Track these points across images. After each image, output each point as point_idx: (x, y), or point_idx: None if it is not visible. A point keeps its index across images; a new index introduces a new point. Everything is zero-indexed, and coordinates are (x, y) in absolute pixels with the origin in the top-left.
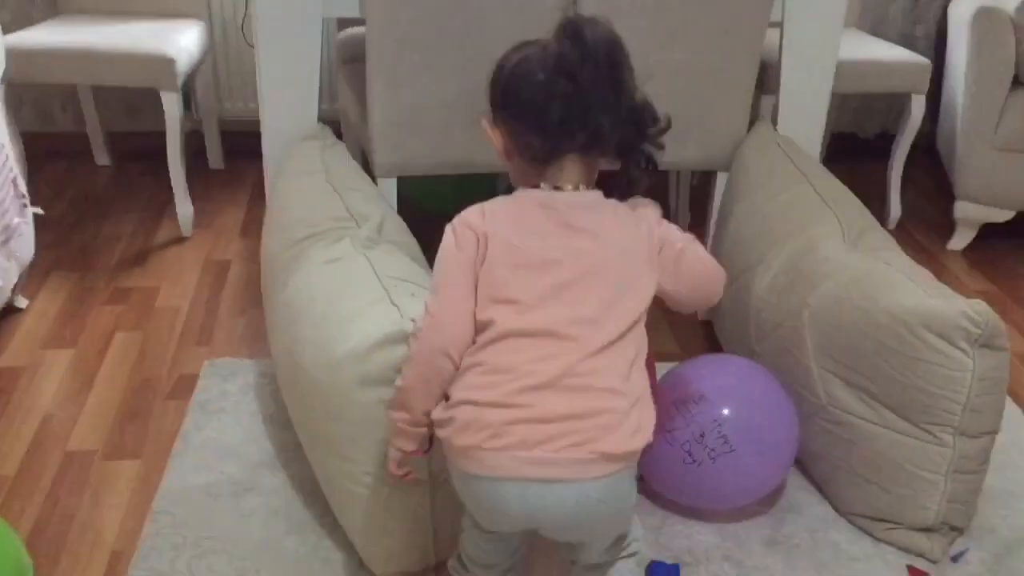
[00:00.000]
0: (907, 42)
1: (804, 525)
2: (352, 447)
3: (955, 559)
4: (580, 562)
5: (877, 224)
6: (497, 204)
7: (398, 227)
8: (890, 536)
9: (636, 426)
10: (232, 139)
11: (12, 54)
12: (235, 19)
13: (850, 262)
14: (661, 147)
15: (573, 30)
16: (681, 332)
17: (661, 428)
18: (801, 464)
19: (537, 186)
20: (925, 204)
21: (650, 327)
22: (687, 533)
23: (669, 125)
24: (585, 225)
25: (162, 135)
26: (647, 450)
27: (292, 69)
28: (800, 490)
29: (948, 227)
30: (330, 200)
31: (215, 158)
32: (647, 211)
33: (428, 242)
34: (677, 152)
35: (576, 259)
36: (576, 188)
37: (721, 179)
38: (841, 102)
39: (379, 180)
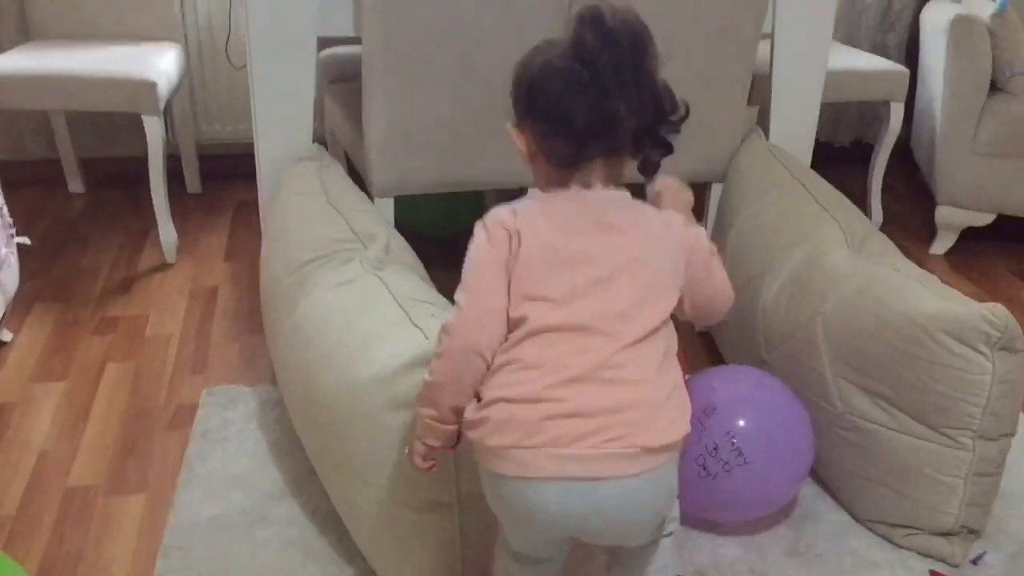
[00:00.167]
0: (879, 51)
1: (823, 534)
2: (377, 472)
3: (974, 562)
4: (617, 551)
5: (876, 230)
6: (528, 203)
7: (403, 247)
8: (910, 542)
9: (672, 417)
10: (209, 162)
11: None
12: (211, 41)
13: (860, 269)
14: (677, 131)
15: (592, 18)
16: (681, 344)
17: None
18: (816, 472)
19: (566, 187)
20: (903, 209)
21: None
22: (710, 547)
23: (688, 113)
24: (616, 222)
25: (138, 160)
26: (685, 439)
27: (287, 90)
28: (816, 498)
29: (928, 231)
30: (333, 222)
31: (193, 182)
32: (674, 216)
33: (421, 261)
34: (673, 164)
35: (608, 255)
36: (605, 187)
37: (715, 190)
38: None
39: (377, 200)
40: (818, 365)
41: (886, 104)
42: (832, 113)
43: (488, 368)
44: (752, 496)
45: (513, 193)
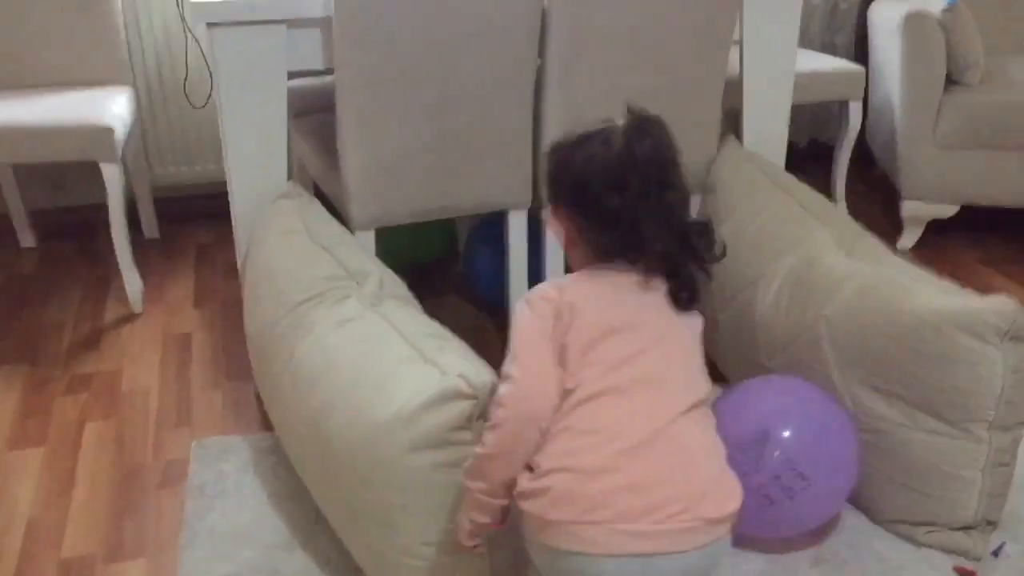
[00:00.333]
0: (829, 51)
1: (844, 539)
2: (403, 517)
3: (995, 554)
4: None
5: (864, 231)
6: (575, 279)
7: (394, 280)
8: (931, 539)
9: (731, 487)
10: (164, 206)
11: None
12: (161, 82)
13: (858, 270)
14: (709, 275)
15: (636, 132)
16: None
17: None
18: None
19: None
20: (864, 205)
21: None
22: (734, 562)
23: (724, 253)
24: (657, 301)
25: (92, 209)
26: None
27: (259, 128)
28: None
29: (893, 226)
30: (321, 260)
31: (150, 227)
32: (697, 317)
33: None
34: None
35: (654, 328)
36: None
37: (693, 201)
38: None
39: (357, 233)
40: (825, 368)
41: (843, 103)
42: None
43: (541, 438)
44: (818, 511)
45: (490, 217)
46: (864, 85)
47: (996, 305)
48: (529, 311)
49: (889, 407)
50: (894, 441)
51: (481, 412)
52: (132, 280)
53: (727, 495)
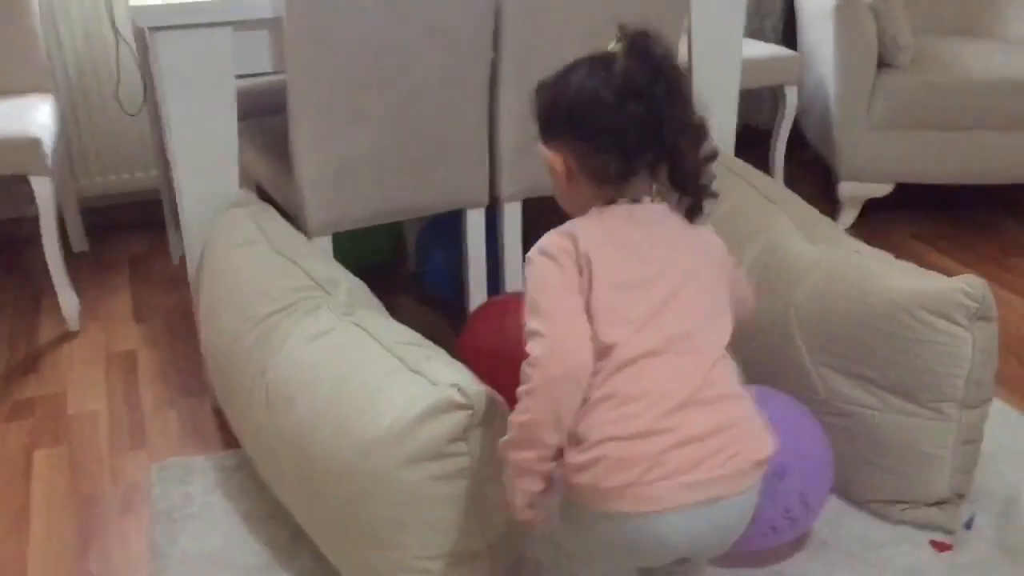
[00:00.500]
0: (758, 37)
1: (823, 521)
2: (400, 533)
3: (967, 526)
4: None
5: (822, 216)
6: (584, 225)
7: (361, 288)
8: (906, 515)
9: (766, 429)
10: (90, 217)
11: None
12: (84, 89)
13: (824, 256)
14: (711, 173)
15: (640, 47)
16: None
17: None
18: None
19: (613, 202)
20: (799, 188)
21: None
22: None
23: (716, 154)
24: (670, 236)
25: (12, 224)
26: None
27: (209, 135)
28: None
29: (829, 206)
30: (286, 270)
31: (78, 240)
32: (708, 228)
33: None
34: None
35: (674, 270)
36: (651, 200)
37: None
38: None
39: (313, 239)
40: (797, 355)
41: (778, 88)
42: None
43: (583, 396)
44: (807, 525)
45: (439, 215)
46: (801, 70)
47: (965, 286)
48: (552, 262)
49: (861, 390)
50: (867, 423)
51: (478, 423)
52: (67, 297)
53: (766, 435)
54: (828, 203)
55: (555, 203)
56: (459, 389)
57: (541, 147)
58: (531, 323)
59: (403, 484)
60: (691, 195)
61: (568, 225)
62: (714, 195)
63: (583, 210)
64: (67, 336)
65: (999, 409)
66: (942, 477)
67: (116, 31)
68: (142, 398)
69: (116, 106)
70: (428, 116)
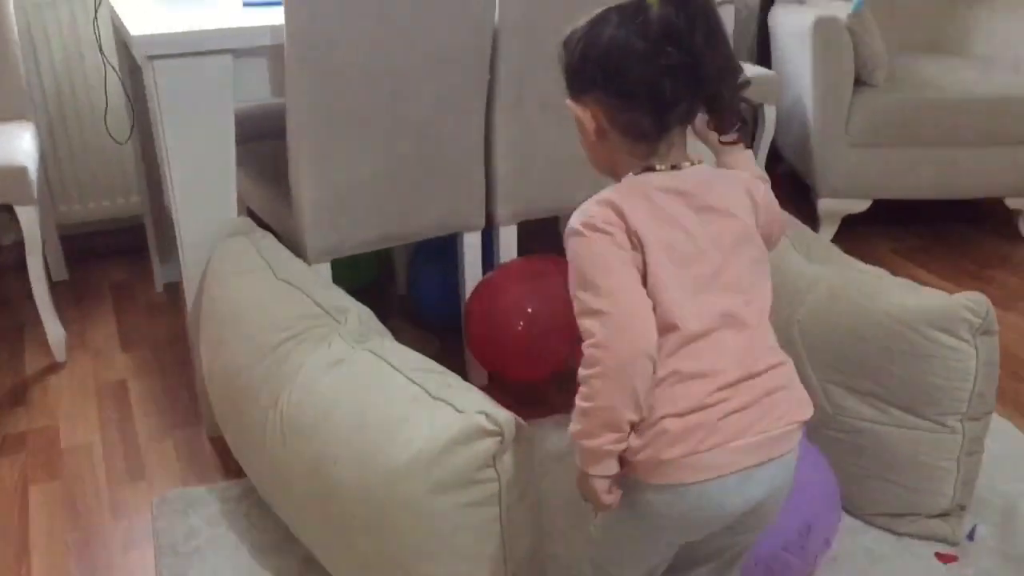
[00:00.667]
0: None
1: None
2: (427, 561)
3: (970, 537)
4: (728, 557)
5: (815, 234)
6: (625, 196)
7: (369, 315)
8: (912, 528)
9: (803, 390)
10: (68, 244)
11: None
12: (63, 115)
13: (824, 274)
14: (744, 98)
15: None
16: None
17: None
18: None
19: (651, 168)
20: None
21: None
22: None
23: (748, 81)
24: (715, 203)
25: None
26: None
27: (207, 162)
28: None
29: (807, 222)
30: (293, 298)
31: (58, 269)
32: (740, 173)
33: None
34: (595, 192)
35: (718, 243)
36: (691, 163)
37: None
38: None
39: (312, 265)
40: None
41: (758, 107)
42: None
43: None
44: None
45: (437, 239)
46: (779, 89)
47: (968, 301)
48: (605, 236)
49: (866, 406)
50: (872, 438)
51: (507, 449)
52: (53, 327)
53: (806, 397)
54: (804, 218)
55: (547, 223)
56: (487, 416)
57: (570, 103)
58: (589, 301)
59: (432, 512)
60: (727, 126)
61: (608, 194)
62: (746, 121)
63: (615, 169)
64: (54, 367)
65: None
66: (948, 489)
67: (104, 58)
68: (136, 429)
69: (95, 133)
70: (426, 141)
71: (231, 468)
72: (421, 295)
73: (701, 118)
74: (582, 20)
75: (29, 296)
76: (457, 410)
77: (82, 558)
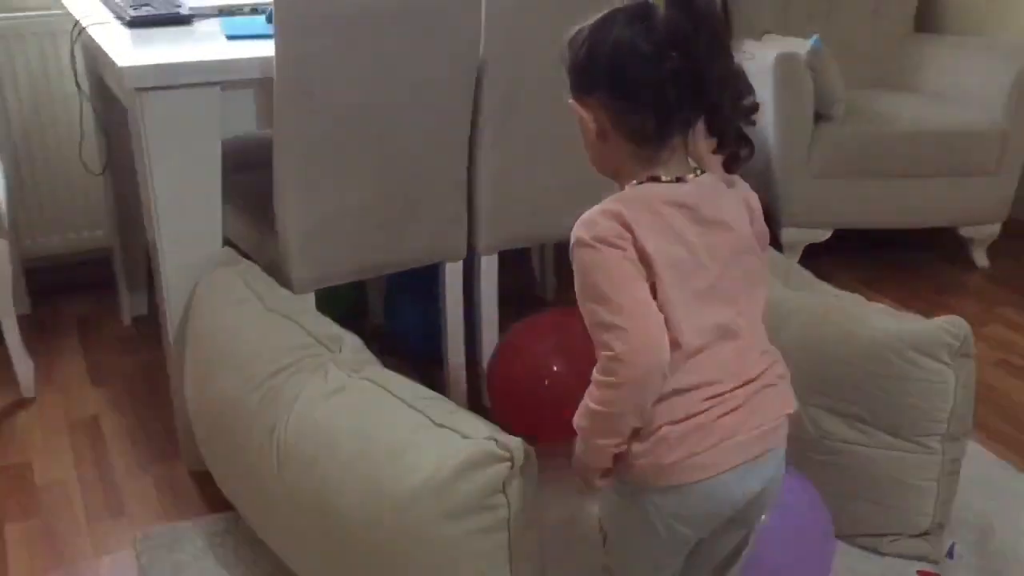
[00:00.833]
0: None
1: None
2: None
3: (949, 555)
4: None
5: (792, 261)
6: (632, 211)
7: (362, 346)
8: (894, 547)
9: (788, 381)
10: (31, 278)
11: None
12: (29, 150)
13: (805, 300)
14: (752, 122)
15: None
16: None
17: None
18: None
19: (656, 178)
20: None
21: None
22: None
23: (756, 107)
24: (715, 216)
25: None
26: None
27: (193, 194)
28: None
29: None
30: (284, 328)
31: (21, 303)
32: (739, 181)
33: None
34: (575, 221)
35: (715, 256)
36: (695, 173)
37: None
38: None
39: (298, 296)
40: None
41: None
42: None
43: None
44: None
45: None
46: None
47: (947, 324)
48: (615, 251)
49: (849, 428)
50: (855, 460)
51: (517, 474)
52: (22, 362)
53: (791, 392)
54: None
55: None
56: (496, 441)
57: (572, 103)
58: (604, 316)
59: (441, 539)
60: (730, 147)
61: (614, 205)
62: (752, 145)
63: (618, 172)
64: (24, 403)
65: None
66: (928, 508)
67: (80, 90)
68: (113, 465)
69: (62, 165)
70: (410, 174)
71: (214, 502)
72: (399, 326)
73: (708, 142)
74: (588, 20)
75: None
76: (463, 436)
77: None
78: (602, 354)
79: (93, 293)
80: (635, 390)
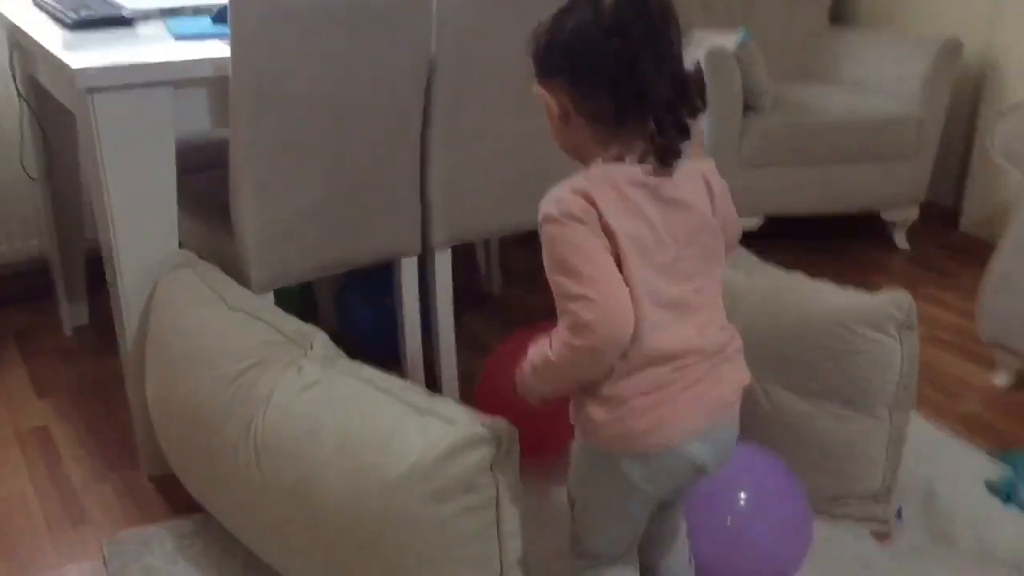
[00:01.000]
0: None
1: None
2: (428, 571)
3: (898, 516)
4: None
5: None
6: (597, 189)
7: (329, 341)
8: (847, 511)
9: (742, 353)
10: None
11: None
12: None
13: (756, 283)
14: (694, 115)
15: None
16: None
17: None
18: None
19: (620, 158)
20: None
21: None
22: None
23: (705, 104)
24: (675, 195)
25: None
26: None
27: (148, 195)
28: None
29: None
30: (250, 326)
31: None
32: (702, 161)
33: None
34: (526, 214)
35: (675, 234)
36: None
37: None
38: None
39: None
40: None
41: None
42: None
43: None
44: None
45: (365, 271)
46: None
47: (893, 299)
48: (581, 226)
49: (802, 400)
50: (808, 430)
51: (504, 455)
52: None
53: (743, 363)
54: None
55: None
56: (484, 424)
57: (537, 88)
58: (571, 287)
59: (430, 521)
60: (666, 136)
61: (580, 182)
62: (688, 138)
63: (581, 152)
64: None
65: None
66: (877, 474)
67: (20, 94)
68: (69, 474)
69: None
70: (365, 169)
71: (178, 505)
72: (352, 325)
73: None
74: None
75: None
76: (448, 421)
77: None
78: (570, 320)
79: (28, 305)
80: (595, 356)
